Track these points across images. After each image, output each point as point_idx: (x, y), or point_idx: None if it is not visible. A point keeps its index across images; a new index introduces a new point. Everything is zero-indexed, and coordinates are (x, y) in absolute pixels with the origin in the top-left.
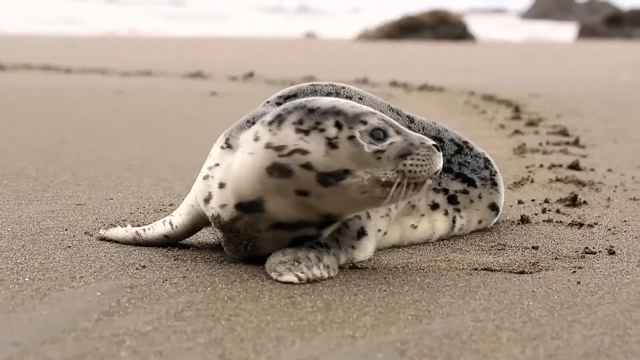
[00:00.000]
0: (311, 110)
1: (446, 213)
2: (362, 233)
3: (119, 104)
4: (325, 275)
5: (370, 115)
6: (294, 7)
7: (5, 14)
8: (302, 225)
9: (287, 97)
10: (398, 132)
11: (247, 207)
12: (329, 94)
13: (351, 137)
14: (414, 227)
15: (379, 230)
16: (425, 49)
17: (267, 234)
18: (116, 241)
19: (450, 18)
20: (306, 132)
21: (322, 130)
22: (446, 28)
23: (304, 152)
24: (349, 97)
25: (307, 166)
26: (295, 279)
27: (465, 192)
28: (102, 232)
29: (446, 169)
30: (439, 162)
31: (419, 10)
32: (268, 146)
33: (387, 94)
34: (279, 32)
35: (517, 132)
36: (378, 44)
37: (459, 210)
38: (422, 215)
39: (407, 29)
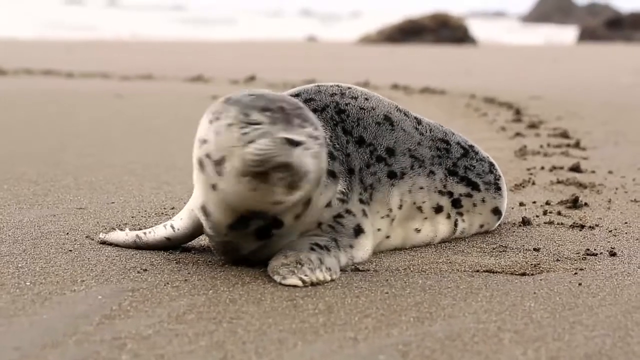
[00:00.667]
0: (224, 102)
1: (448, 216)
2: (359, 231)
3: (120, 108)
4: (328, 278)
5: (253, 110)
6: (295, 10)
7: (12, 18)
8: (244, 222)
9: (307, 100)
10: (274, 125)
11: (203, 211)
12: (333, 95)
13: (230, 125)
14: (417, 230)
15: (379, 230)
16: (426, 52)
17: (231, 234)
18: (116, 245)
19: (451, 21)
20: (211, 122)
21: (218, 119)
22: (447, 31)
23: (205, 141)
24: (355, 98)
25: (208, 155)
26: (299, 282)
27: (469, 195)
28: (101, 235)
29: (452, 172)
30: (284, 154)
31: (420, 13)
32: (197, 140)
33: (388, 97)
34: (280, 35)
35: (518, 134)
36: (379, 47)
37: (461, 214)
38: (426, 218)
39: (408, 32)
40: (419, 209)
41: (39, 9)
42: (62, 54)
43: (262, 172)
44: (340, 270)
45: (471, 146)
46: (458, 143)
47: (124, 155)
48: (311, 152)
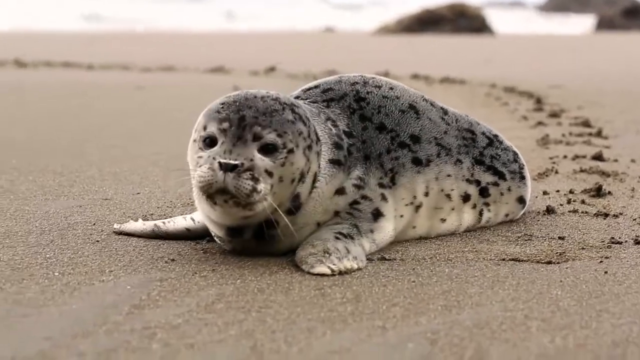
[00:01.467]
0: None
1: (474, 206)
2: (377, 214)
3: (142, 100)
4: (355, 266)
5: (214, 122)
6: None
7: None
8: (237, 231)
9: (308, 89)
10: (223, 144)
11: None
12: (355, 84)
13: (194, 140)
14: (443, 220)
15: (401, 216)
16: (444, 42)
17: (234, 242)
18: (133, 234)
19: (469, 11)
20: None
21: (195, 130)
22: (465, 21)
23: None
24: (378, 87)
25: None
26: (327, 270)
27: (495, 184)
28: (116, 226)
29: (478, 161)
30: (219, 180)
31: (437, 3)
32: None
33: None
34: (297, 26)
35: (539, 123)
36: (398, 38)
37: (487, 204)
38: (453, 209)
39: (426, 22)
40: (448, 196)
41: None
42: (82, 46)
43: (209, 194)
44: (366, 257)
45: (495, 135)
46: (483, 133)
47: (147, 146)
48: (259, 169)
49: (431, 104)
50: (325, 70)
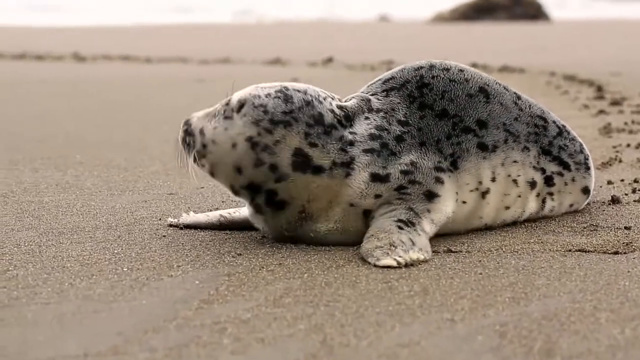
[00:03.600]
0: None
1: (538, 194)
2: (431, 195)
3: (201, 93)
4: (422, 257)
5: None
6: None
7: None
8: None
9: (372, 83)
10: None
11: None
12: (419, 69)
13: None
14: (507, 207)
15: (464, 203)
16: (500, 29)
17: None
18: (196, 227)
19: None
20: None
21: None
22: (520, 8)
23: None
24: (447, 69)
25: None
26: (393, 263)
27: (560, 174)
28: (171, 220)
29: (545, 151)
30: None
31: None
32: None
33: None
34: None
35: (601, 111)
36: (453, 26)
37: (551, 194)
38: (519, 195)
39: (481, 9)
40: (514, 182)
41: None
42: (138, 39)
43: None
44: (432, 249)
45: (564, 126)
46: (554, 122)
47: None
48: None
49: (505, 88)
50: (383, 60)
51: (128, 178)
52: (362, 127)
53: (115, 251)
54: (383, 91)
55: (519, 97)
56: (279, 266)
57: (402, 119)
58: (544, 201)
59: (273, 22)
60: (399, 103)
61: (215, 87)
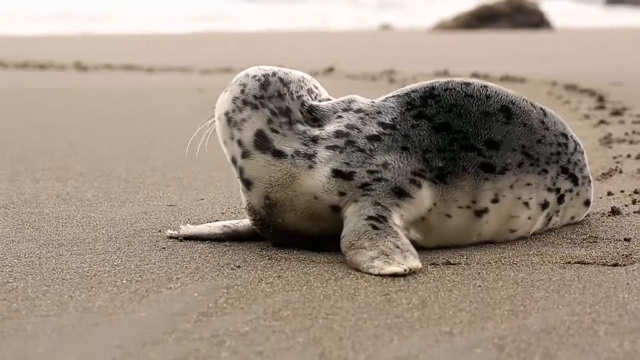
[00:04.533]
0: None
1: (548, 214)
2: (401, 193)
3: (203, 103)
4: (419, 265)
5: None
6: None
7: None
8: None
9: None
10: None
11: None
12: (435, 82)
13: None
14: (513, 231)
15: (448, 216)
16: (503, 38)
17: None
18: (198, 238)
19: (527, 6)
20: None
21: None
22: (523, 16)
23: None
24: (466, 84)
25: None
26: (400, 269)
27: (570, 191)
28: (171, 232)
29: (564, 170)
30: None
31: None
32: None
33: None
34: (354, 24)
35: (602, 122)
36: (455, 34)
37: (558, 211)
38: (529, 218)
39: (483, 18)
40: (526, 204)
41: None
42: (141, 48)
43: None
44: (432, 263)
45: (573, 136)
46: (572, 137)
47: (210, 151)
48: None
49: (532, 104)
50: (384, 69)
51: (128, 189)
52: (331, 126)
53: (115, 263)
54: (387, 97)
55: (545, 114)
56: (278, 278)
57: (388, 122)
58: (550, 219)
59: (274, 31)
60: (391, 107)
61: (216, 97)
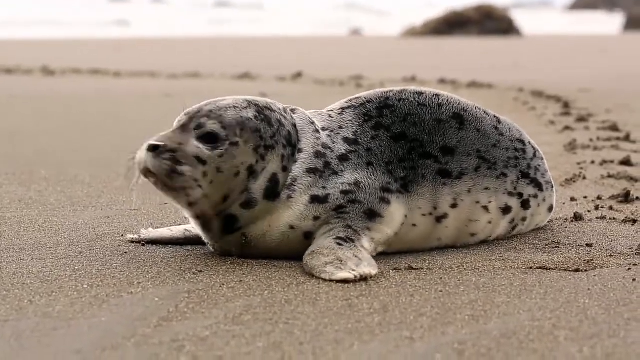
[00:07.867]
0: None
1: (512, 220)
2: (372, 215)
3: (170, 108)
4: (373, 272)
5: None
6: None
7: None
8: (206, 224)
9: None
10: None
11: None
12: (389, 92)
13: None
14: (473, 235)
15: (414, 225)
16: (471, 44)
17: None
18: (159, 242)
19: (496, 13)
20: None
21: None
22: (492, 23)
23: None
24: (419, 94)
25: None
26: (350, 276)
27: (535, 196)
28: (131, 236)
29: (524, 175)
30: (144, 160)
31: (464, 5)
32: None
33: None
34: (323, 29)
35: (567, 128)
36: (424, 40)
37: (524, 219)
38: (489, 222)
39: (453, 24)
40: (485, 208)
41: (84, 7)
42: (109, 53)
43: (144, 175)
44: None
45: (530, 142)
46: (529, 142)
47: None
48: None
49: (485, 112)
50: (351, 75)
51: (92, 194)
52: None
53: (76, 267)
54: (340, 108)
55: (499, 121)
56: (240, 283)
57: (351, 136)
58: (515, 226)
59: (243, 37)
60: (350, 121)
61: (183, 102)
